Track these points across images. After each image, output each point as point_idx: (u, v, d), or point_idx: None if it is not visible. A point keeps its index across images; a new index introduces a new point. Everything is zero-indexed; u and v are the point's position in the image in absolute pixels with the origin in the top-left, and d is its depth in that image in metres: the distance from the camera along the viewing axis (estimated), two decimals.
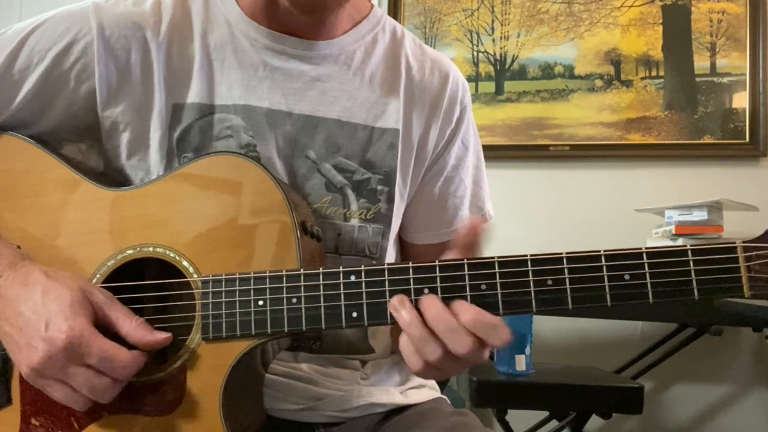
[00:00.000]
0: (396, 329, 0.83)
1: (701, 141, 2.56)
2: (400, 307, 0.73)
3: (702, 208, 2.17)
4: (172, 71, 0.93)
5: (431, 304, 0.72)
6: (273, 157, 0.93)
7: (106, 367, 0.73)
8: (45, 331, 0.73)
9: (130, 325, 0.76)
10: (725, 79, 2.56)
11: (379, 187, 0.97)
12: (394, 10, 2.70)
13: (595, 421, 2.09)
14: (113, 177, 0.94)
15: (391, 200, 0.98)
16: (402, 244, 1.08)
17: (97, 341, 0.73)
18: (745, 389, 2.49)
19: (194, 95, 0.92)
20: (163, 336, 0.77)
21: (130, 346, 0.76)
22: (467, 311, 0.71)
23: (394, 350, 1.06)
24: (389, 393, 0.99)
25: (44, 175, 0.88)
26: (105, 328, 0.76)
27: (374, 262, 0.98)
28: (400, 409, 0.99)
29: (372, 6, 1.04)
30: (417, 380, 1.04)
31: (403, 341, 0.74)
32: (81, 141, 0.96)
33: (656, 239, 2.30)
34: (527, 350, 1.98)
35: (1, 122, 0.91)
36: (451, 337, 0.71)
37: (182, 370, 0.79)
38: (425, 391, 1.04)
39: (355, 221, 0.95)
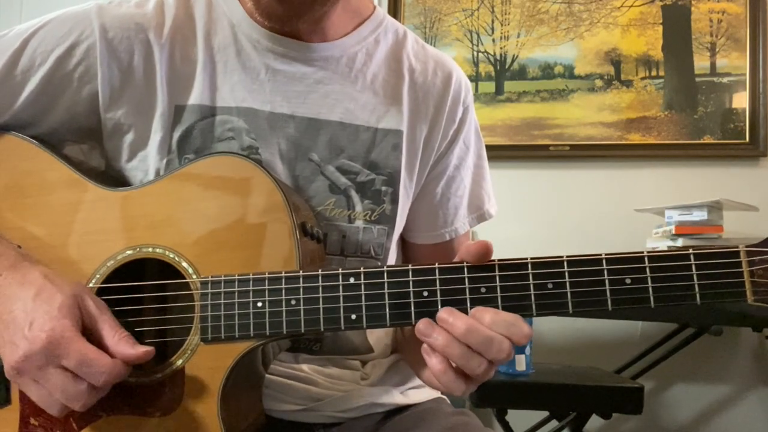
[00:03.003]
0: (413, 360, 0.82)
1: (701, 141, 2.56)
2: (430, 332, 0.72)
3: (702, 208, 2.17)
4: (175, 73, 0.92)
5: (455, 317, 0.72)
6: (275, 159, 0.93)
7: (84, 371, 0.72)
8: (28, 329, 0.73)
9: (113, 338, 0.75)
10: (725, 79, 2.56)
11: (384, 188, 0.97)
12: (394, 10, 2.70)
13: (595, 421, 2.09)
14: (114, 177, 0.94)
15: (395, 201, 0.98)
16: (403, 243, 1.08)
17: (77, 344, 0.72)
18: (745, 389, 2.49)
19: (196, 97, 0.92)
20: (143, 350, 0.75)
21: None
22: (484, 312, 0.71)
23: (394, 350, 1.06)
24: (389, 393, 0.99)
25: (45, 175, 0.88)
26: (90, 338, 0.75)
27: (379, 263, 0.98)
28: (400, 409, 1.00)
29: (374, 7, 1.04)
30: (417, 380, 1.03)
31: (439, 369, 0.72)
32: (82, 141, 0.96)
33: (656, 239, 2.30)
34: (527, 350, 1.98)
35: (4, 123, 0.91)
36: (488, 345, 0.70)
37: (181, 371, 0.79)
38: (425, 391, 1.04)
39: (359, 222, 0.95)
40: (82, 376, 0.72)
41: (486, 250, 0.73)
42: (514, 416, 2.07)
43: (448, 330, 0.71)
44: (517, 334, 0.71)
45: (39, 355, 0.72)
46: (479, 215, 1.08)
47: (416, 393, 1.03)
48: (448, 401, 1.06)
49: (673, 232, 2.18)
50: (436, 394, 1.06)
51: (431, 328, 0.72)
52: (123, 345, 0.75)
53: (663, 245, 2.25)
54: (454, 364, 0.72)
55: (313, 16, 0.93)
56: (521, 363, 1.96)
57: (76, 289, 0.77)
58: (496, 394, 1.94)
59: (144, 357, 0.75)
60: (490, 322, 0.70)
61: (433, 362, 0.73)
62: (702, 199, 2.16)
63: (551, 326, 2.54)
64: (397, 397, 1.00)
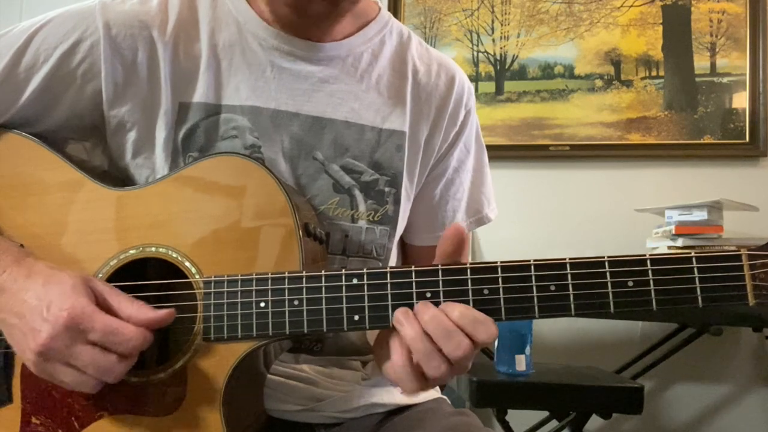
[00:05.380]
0: (379, 350, 0.83)
1: (701, 141, 2.56)
2: (404, 320, 0.73)
3: (702, 208, 2.16)
4: (179, 70, 0.93)
5: (424, 306, 0.72)
6: (278, 158, 0.93)
7: (110, 341, 0.73)
8: (47, 312, 0.73)
9: (132, 306, 0.76)
10: (725, 79, 2.56)
11: (387, 189, 0.97)
12: (394, 10, 2.70)
13: (595, 421, 2.09)
14: (117, 176, 0.94)
15: (397, 202, 0.98)
16: (402, 245, 1.08)
17: (99, 316, 0.73)
18: (745, 389, 2.49)
19: (200, 95, 0.92)
20: (165, 311, 0.76)
21: None
22: (455, 307, 0.71)
23: None
24: (390, 393, 0.99)
25: (48, 173, 0.88)
26: (107, 313, 0.75)
27: (380, 264, 0.98)
28: (401, 409, 0.99)
29: (379, 9, 1.04)
30: None
31: (402, 361, 0.73)
32: (86, 140, 0.96)
33: (656, 239, 2.30)
34: (527, 350, 1.98)
35: (7, 120, 0.92)
36: (447, 340, 0.70)
37: (183, 370, 0.79)
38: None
39: (362, 222, 0.96)
40: (109, 347, 0.73)
41: (455, 230, 0.74)
42: (514, 416, 2.07)
43: (418, 318, 0.72)
44: (483, 333, 0.70)
45: (64, 334, 0.72)
46: (478, 219, 1.08)
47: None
48: (449, 401, 1.06)
49: (673, 232, 2.18)
50: (437, 394, 1.06)
51: (407, 317, 0.73)
52: (145, 310, 0.76)
53: (663, 245, 2.25)
54: (414, 361, 0.72)
55: (331, 25, 0.95)
56: (521, 363, 1.96)
57: (82, 274, 0.78)
58: (496, 394, 1.94)
59: (167, 318, 0.77)
60: (458, 316, 0.71)
61: (397, 354, 0.73)
62: (702, 199, 2.16)
63: (551, 326, 2.54)
64: (397, 397, 1.00)
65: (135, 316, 0.76)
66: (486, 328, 0.71)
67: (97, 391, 0.75)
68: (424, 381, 0.73)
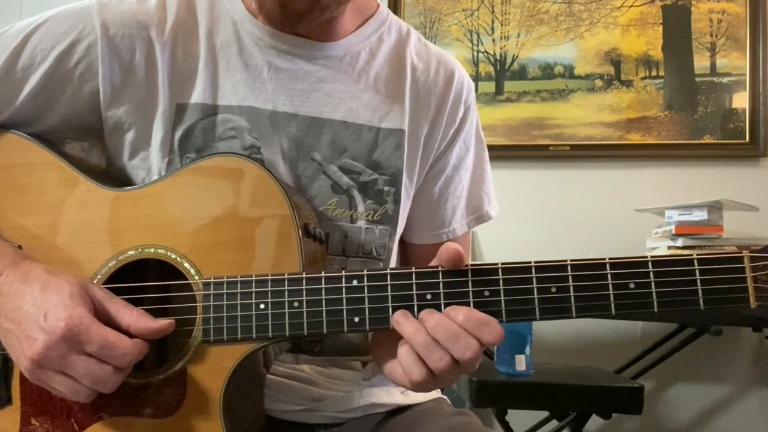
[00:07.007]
0: (378, 351, 0.82)
1: (701, 141, 2.56)
2: (402, 320, 0.73)
3: (702, 208, 2.17)
4: (177, 71, 0.92)
5: (429, 314, 0.73)
6: (277, 159, 0.93)
7: (107, 354, 0.73)
8: (44, 321, 0.73)
9: (131, 315, 0.76)
10: (725, 79, 2.56)
11: (386, 188, 0.96)
12: (394, 10, 2.70)
13: (595, 421, 2.09)
14: (115, 176, 0.94)
15: (397, 201, 0.97)
16: (402, 243, 1.08)
17: (96, 328, 0.73)
18: (745, 389, 2.49)
19: (198, 95, 0.92)
20: (165, 322, 0.77)
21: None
22: (459, 311, 0.71)
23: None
24: (390, 393, 0.99)
25: (46, 174, 0.88)
26: (106, 322, 0.75)
27: (381, 264, 0.98)
28: (401, 409, 0.99)
29: (378, 5, 1.03)
30: None
31: (403, 351, 0.73)
32: (83, 140, 0.96)
33: (656, 239, 2.30)
34: (527, 350, 1.98)
35: (4, 120, 0.91)
36: (455, 342, 0.70)
37: (183, 372, 0.79)
38: None
39: (361, 223, 0.95)
40: (105, 360, 0.73)
41: (456, 256, 0.73)
42: (514, 416, 2.07)
43: (423, 324, 0.72)
44: (489, 334, 0.71)
45: (60, 344, 0.72)
46: (478, 216, 1.07)
47: (417, 393, 1.03)
48: (449, 401, 1.06)
49: (673, 232, 2.18)
50: (437, 394, 1.06)
51: (405, 317, 0.73)
52: (144, 319, 0.76)
53: (663, 245, 2.25)
54: (418, 355, 0.72)
55: (315, 21, 0.92)
56: (521, 363, 1.96)
57: (80, 280, 0.77)
58: (496, 394, 1.94)
59: (166, 328, 0.77)
60: (463, 320, 0.71)
61: (402, 351, 0.74)
62: (702, 199, 2.16)
63: (551, 326, 2.54)
64: (397, 397, 0.99)
65: (134, 325, 0.76)
66: (491, 330, 0.71)
67: (90, 400, 0.75)
68: (431, 373, 0.73)
